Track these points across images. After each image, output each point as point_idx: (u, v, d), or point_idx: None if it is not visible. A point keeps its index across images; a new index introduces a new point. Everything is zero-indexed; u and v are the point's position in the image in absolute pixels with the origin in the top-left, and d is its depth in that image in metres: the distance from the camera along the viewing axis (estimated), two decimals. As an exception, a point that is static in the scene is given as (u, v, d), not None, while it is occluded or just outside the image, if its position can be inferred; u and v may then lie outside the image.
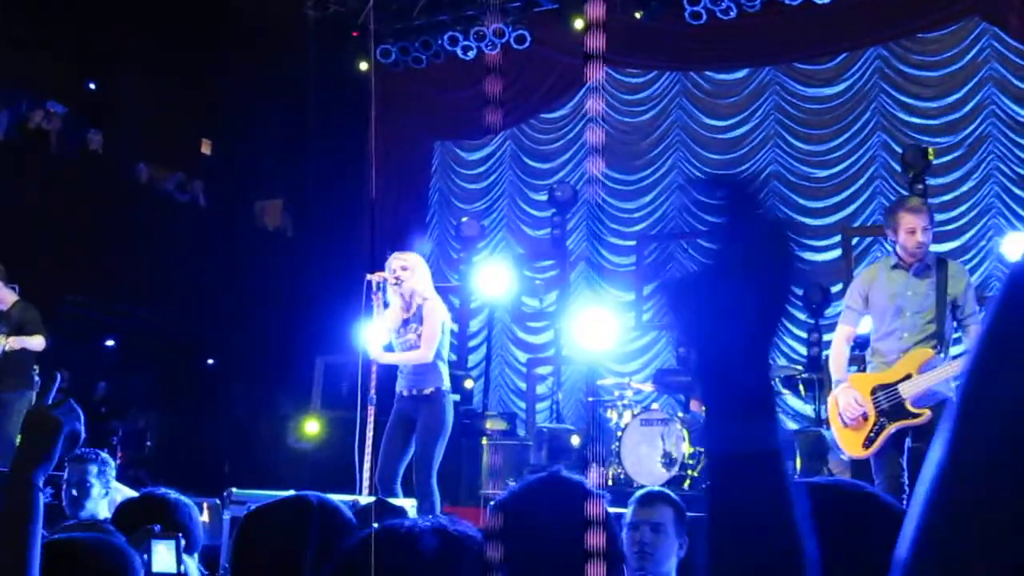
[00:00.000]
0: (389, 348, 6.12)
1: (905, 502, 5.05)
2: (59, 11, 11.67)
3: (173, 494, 2.85)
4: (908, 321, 5.23)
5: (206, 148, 14.48)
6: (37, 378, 8.00)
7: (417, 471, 5.89)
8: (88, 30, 12.09)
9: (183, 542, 2.04)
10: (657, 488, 4.26)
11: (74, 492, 4.34)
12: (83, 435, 1.92)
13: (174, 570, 2.00)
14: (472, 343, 12.65)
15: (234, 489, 5.45)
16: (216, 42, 12.73)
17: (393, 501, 5.60)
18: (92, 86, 13.38)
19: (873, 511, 1.37)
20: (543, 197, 12.58)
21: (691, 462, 8.33)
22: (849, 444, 5.33)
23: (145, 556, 1.96)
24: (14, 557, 1.79)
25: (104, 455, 4.26)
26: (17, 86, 11.86)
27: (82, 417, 1.94)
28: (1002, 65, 11.18)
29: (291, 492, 2.10)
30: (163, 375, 12.40)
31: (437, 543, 1.38)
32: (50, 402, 1.87)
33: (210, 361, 13.50)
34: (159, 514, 2.58)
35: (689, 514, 3.78)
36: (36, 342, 7.86)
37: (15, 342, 7.72)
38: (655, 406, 9.75)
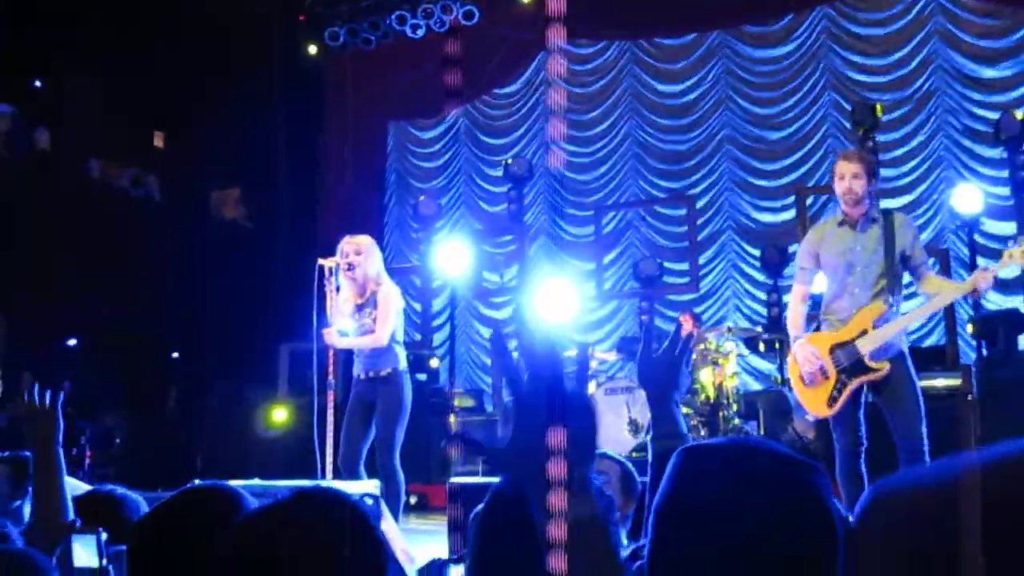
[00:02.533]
0: (345, 333, 6.12)
1: (862, 456, 5.12)
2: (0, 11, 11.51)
3: (120, 490, 2.86)
4: (858, 277, 5.23)
5: (159, 141, 14.35)
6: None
7: (380, 453, 5.91)
8: (30, 28, 11.93)
9: (104, 536, 2.04)
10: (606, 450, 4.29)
11: None
12: None
13: (95, 565, 2.01)
14: (436, 322, 12.68)
15: (197, 481, 5.45)
16: (163, 33, 12.60)
17: (358, 483, 5.63)
18: (38, 84, 13.21)
19: (756, 463, 1.38)
20: (499, 173, 12.59)
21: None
22: (813, 404, 5.32)
23: (63, 553, 1.97)
24: None
25: (23, 456, 4.14)
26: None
27: None
28: (947, 19, 11.28)
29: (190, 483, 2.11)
30: (128, 371, 12.33)
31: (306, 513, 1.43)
32: None
33: (175, 355, 13.45)
34: (105, 511, 2.59)
35: (642, 479, 3.80)
36: None
37: None
38: (620, 375, 9.81)
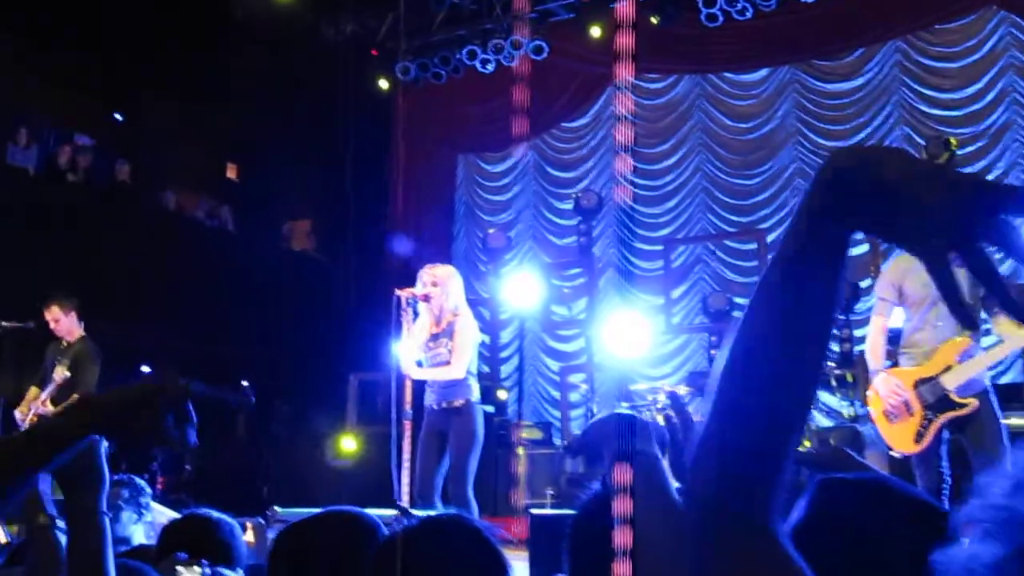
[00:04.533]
0: (421, 363, 6.17)
1: (946, 492, 5.02)
2: (82, 45, 11.84)
3: (215, 514, 2.91)
4: (943, 310, 5.14)
5: (232, 173, 14.62)
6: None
7: (453, 483, 5.94)
8: (111, 62, 12.26)
9: (208, 570, 2.08)
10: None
11: None
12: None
13: None
14: (504, 354, 12.70)
15: (277, 508, 5.52)
16: (236, 67, 12.87)
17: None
18: (118, 117, 13.55)
19: (891, 502, 1.39)
20: (568, 206, 12.62)
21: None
22: (898, 440, 5.17)
23: None
24: None
25: (137, 481, 4.28)
26: (45, 122, 12.04)
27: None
28: (1022, 52, 11.13)
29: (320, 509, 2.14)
30: (199, 398, 12.49)
31: (463, 538, 1.44)
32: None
33: (245, 383, 13.60)
34: (201, 534, 2.64)
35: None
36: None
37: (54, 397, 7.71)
38: (690, 408, 9.72)
